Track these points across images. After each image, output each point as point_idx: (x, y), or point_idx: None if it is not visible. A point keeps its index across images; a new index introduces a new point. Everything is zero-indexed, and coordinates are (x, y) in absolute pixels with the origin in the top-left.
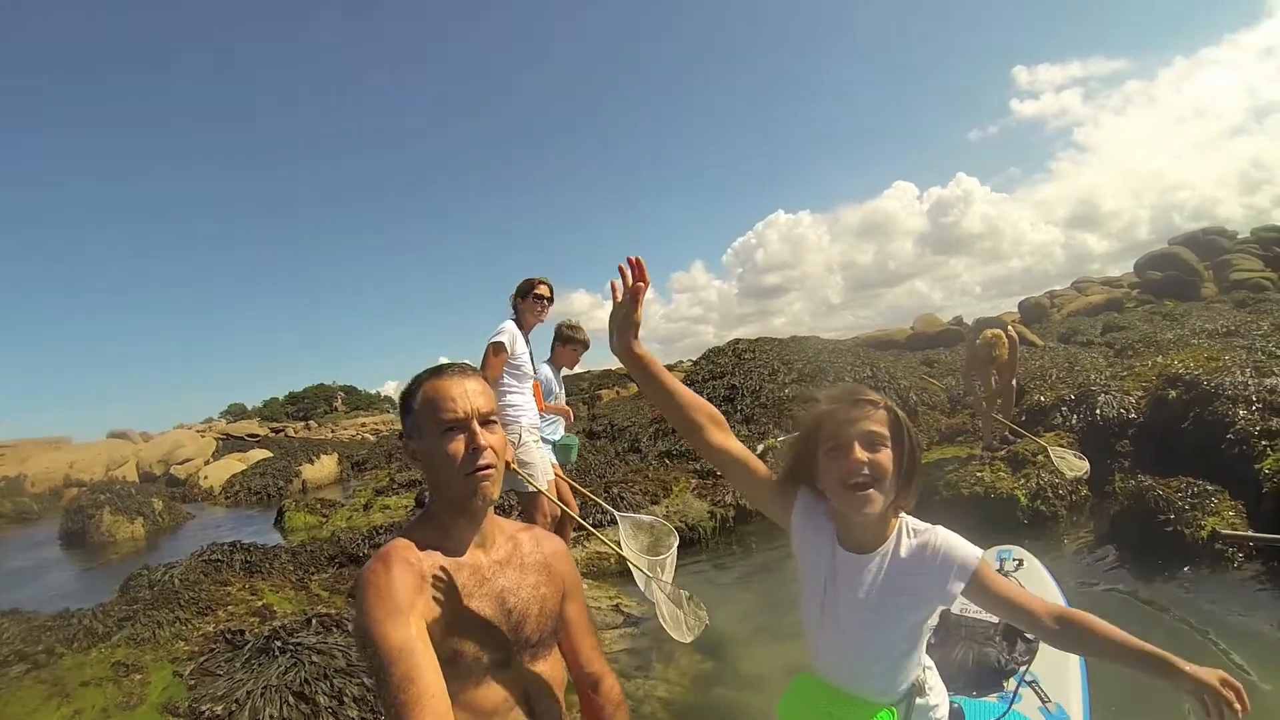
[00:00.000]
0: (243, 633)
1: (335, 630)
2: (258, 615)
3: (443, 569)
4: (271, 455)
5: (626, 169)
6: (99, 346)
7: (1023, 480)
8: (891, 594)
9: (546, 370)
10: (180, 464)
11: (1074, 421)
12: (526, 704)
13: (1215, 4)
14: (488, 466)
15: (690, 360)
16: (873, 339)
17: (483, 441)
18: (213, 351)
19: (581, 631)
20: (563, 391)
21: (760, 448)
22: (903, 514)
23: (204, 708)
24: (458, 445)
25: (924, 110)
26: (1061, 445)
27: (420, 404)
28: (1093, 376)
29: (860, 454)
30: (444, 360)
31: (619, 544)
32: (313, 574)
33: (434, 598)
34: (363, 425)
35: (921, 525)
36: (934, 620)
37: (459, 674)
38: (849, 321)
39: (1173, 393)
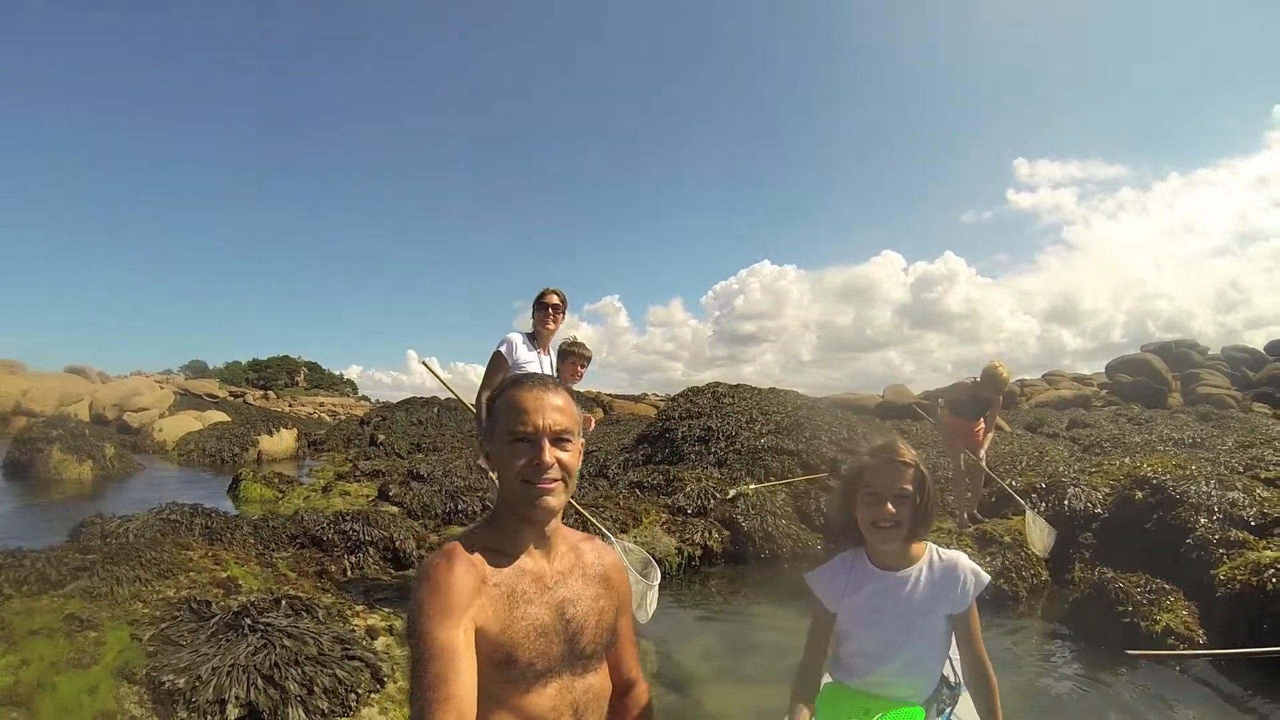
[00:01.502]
0: (209, 604)
1: (305, 615)
2: (222, 587)
3: (505, 573)
4: (229, 420)
5: (617, 194)
6: (62, 275)
7: (988, 558)
8: (928, 600)
9: None
10: (135, 412)
11: (1043, 509)
12: (574, 714)
13: (1216, 129)
14: (552, 480)
15: (657, 394)
16: (843, 400)
17: (548, 458)
18: (180, 303)
19: (626, 643)
20: None
21: (732, 493)
22: (929, 542)
23: (165, 678)
24: (522, 457)
25: (923, 186)
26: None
27: (500, 410)
28: (1061, 468)
29: (889, 508)
30: (411, 353)
31: None
32: (274, 550)
33: (493, 600)
34: (321, 404)
35: (946, 551)
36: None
37: (511, 678)
38: (817, 380)
39: (1139, 494)
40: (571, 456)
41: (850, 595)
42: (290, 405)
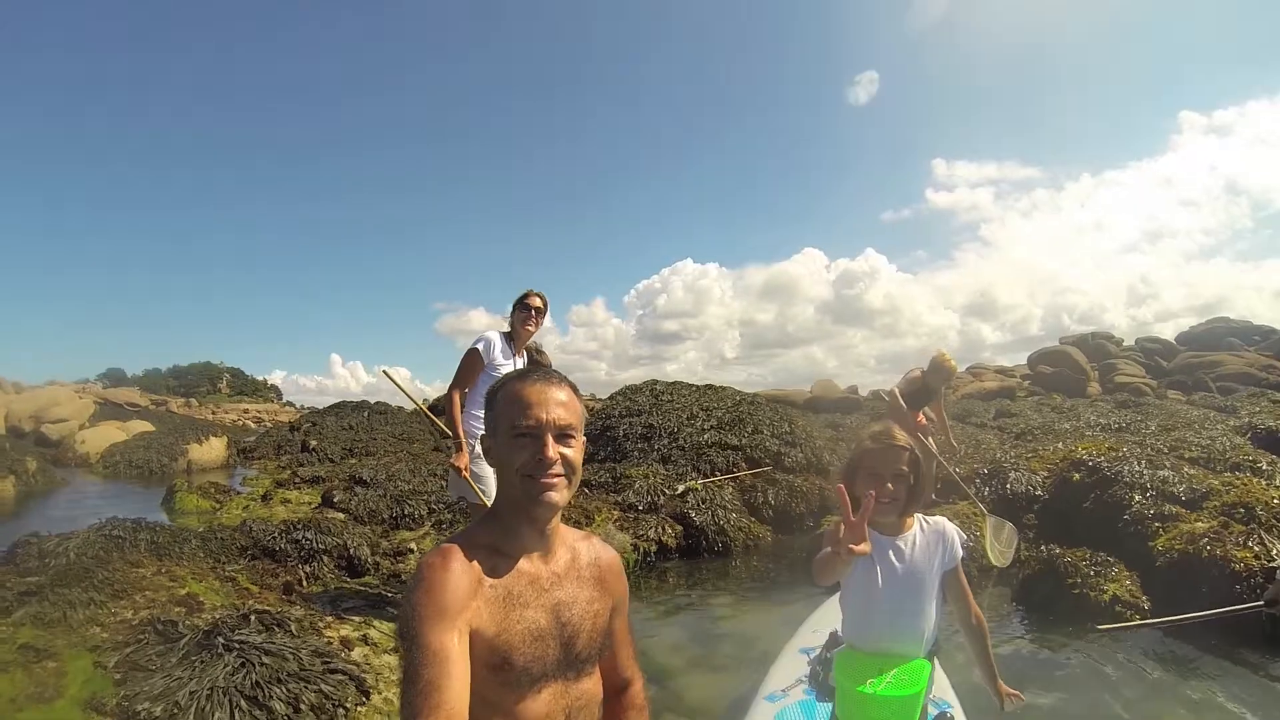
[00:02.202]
0: (175, 624)
1: (278, 630)
2: (183, 605)
3: (502, 574)
4: (154, 429)
5: (537, 194)
6: None
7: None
8: (924, 560)
9: None
10: (54, 423)
11: (986, 493)
12: (566, 718)
13: (1124, 133)
14: (555, 476)
15: (583, 394)
16: (772, 396)
17: (552, 453)
18: (94, 309)
19: (622, 643)
20: None
21: (681, 488)
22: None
23: (139, 708)
24: (524, 453)
25: (844, 185)
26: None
27: (499, 404)
28: (999, 455)
29: (888, 486)
30: (335, 357)
31: None
32: (225, 563)
33: (490, 603)
34: (245, 411)
35: (930, 517)
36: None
37: (505, 682)
38: (741, 377)
39: (1076, 475)
40: (575, 453)
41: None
42: (214, 413)
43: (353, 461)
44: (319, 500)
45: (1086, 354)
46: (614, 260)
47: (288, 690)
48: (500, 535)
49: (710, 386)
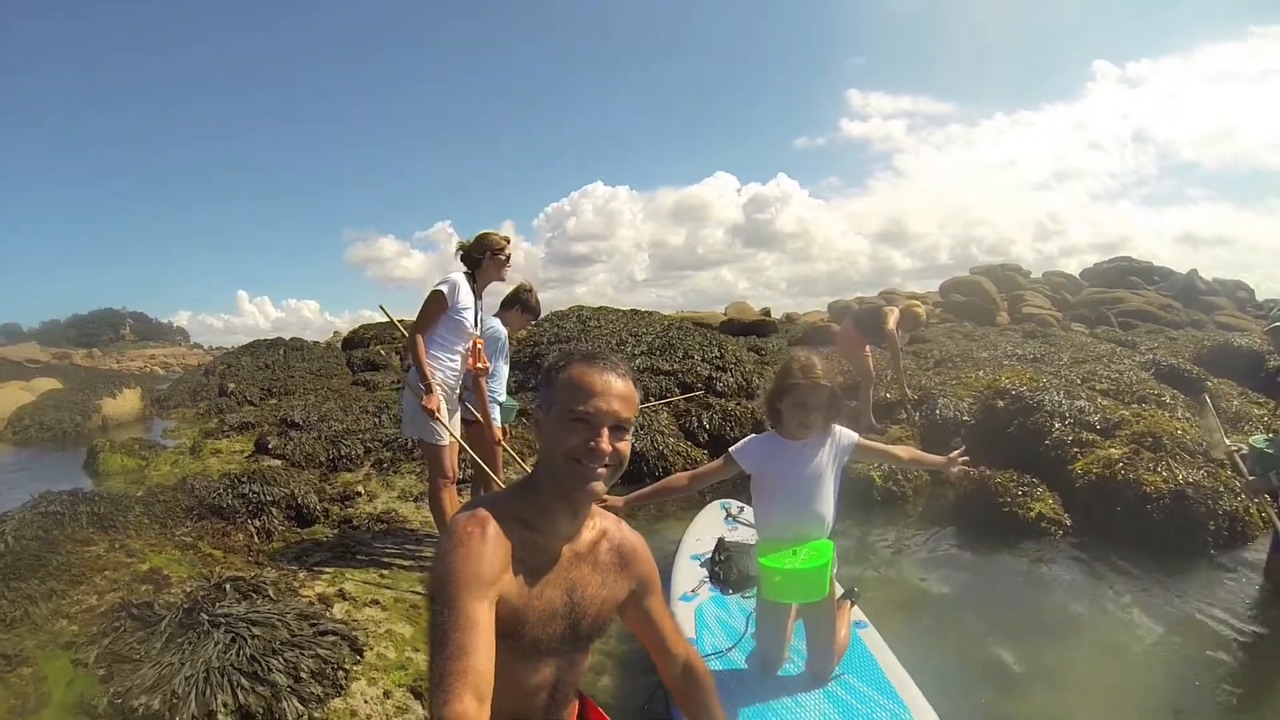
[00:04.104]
0: (150, 605)
1: (256, 596)
2: (149, 582)
3: (530, 551)
4: (61, 386)
5: (445, 120)
6: None
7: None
8: (824, 458)
9: (500, 327)
10: None
11: (916, 418)
12: (552, 689)
13: (1040, 75)
14: (603, 466)
15: None
16: (687, 319)
17: (606, 445)
18: None
19: (663, 619)
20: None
21: None
22: None
23: (135, 703)
24: (578, 440)
25: (759, 111)
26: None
27: (562, 383)
28: (922, 381)
29: (813, 415)
30: (241, 293)
31: None
32: (172, 527)
33: (515, 578)
34: (152, 357)
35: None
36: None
37: (509, 649)
38: (651, 299)
39: (1000, 402)
40: (625, 445)
41: (770, 459)
42: (119, 361)
43: (273, 402)
44: (252, 448)
45: (996, 284)
46: (523, 183)
47: (285, 660)
48: (533, 510)
49: (636, 311)
